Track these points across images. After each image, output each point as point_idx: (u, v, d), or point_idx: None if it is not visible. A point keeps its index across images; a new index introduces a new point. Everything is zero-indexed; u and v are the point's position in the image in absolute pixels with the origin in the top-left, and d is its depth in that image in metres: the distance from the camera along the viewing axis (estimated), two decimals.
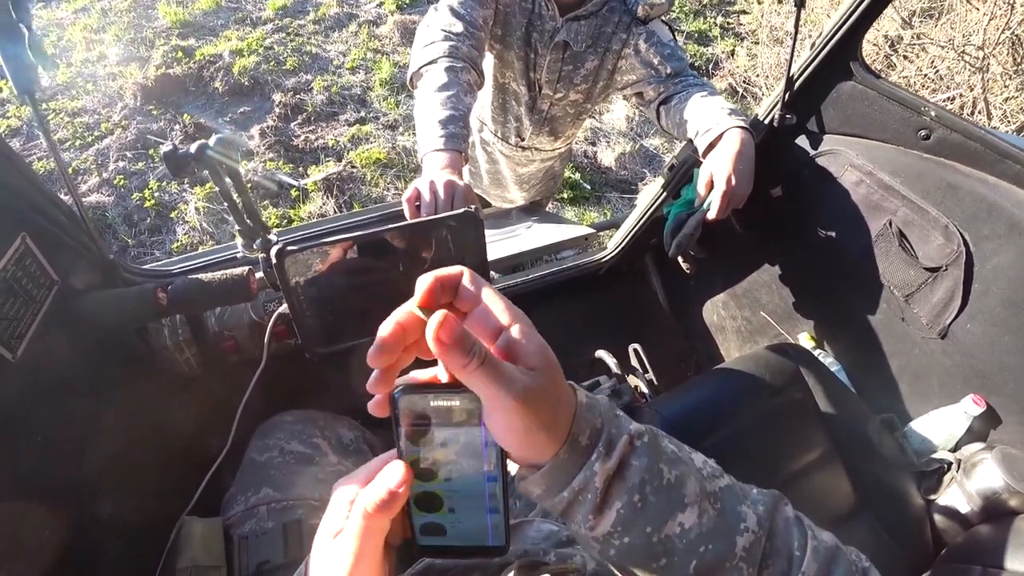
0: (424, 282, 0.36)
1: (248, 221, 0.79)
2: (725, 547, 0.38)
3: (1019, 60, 3.10)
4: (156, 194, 2.66)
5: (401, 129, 3.15)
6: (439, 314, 0.33)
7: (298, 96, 3.18)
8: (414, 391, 0.36)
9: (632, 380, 1.46)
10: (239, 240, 0.84)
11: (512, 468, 0.40)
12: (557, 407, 0.36)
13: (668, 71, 1.28)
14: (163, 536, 0.82)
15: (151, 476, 0.97)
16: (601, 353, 1.51)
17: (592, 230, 1.72)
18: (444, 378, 0.37)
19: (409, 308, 0.35)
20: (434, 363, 0.37)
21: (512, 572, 0.47)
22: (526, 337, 0.36)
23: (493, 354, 0.34)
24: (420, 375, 0.38)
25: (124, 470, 0.92)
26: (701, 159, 1.18)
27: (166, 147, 0.69)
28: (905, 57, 3.46)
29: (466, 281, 0.37)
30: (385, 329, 0.35)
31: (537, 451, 0.37)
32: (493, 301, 0.37)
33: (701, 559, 0.38)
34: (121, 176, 2.71)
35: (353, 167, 2.89)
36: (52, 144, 0.80)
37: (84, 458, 0.85)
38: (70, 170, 2.70)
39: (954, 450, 1.13)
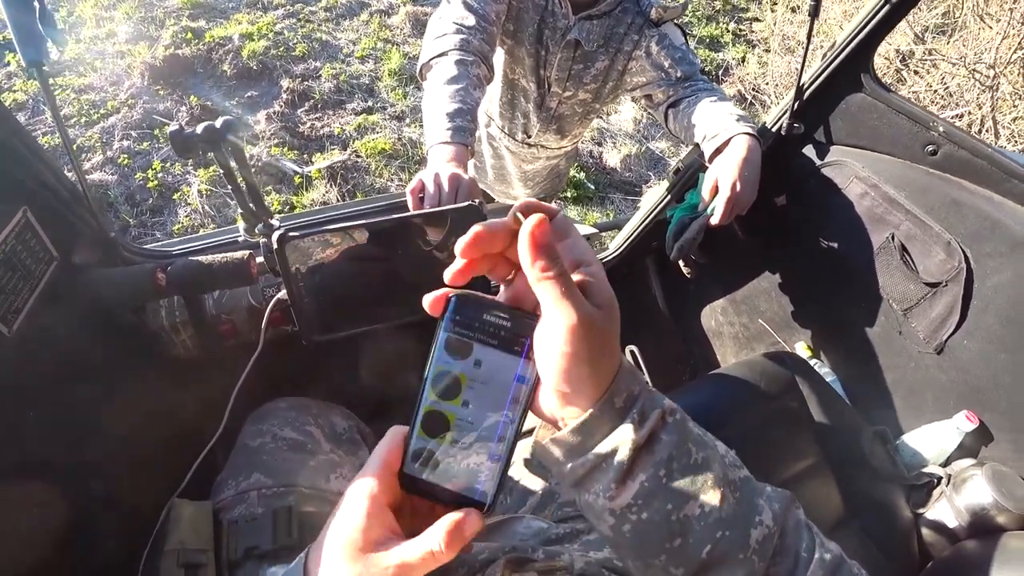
0: (525, 200, 0.38)
1: (251, 205, 0.79)
2: (740, 537, 0.38)
3: None
4: (159, 175, 2.66)
5: (408, 120, 3.15)
6: (538, 215, 0.35)
7: (306, 83, 3.17)
8: (472, 299, 0.37)
9: None
10: (241, 224, 0.83)
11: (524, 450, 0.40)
12: (606, 352, 0.36)
13: (678, 75, 1.28)
14: (153, 518, 0.81)
15: (143, 457, 0.96)
16: None
17: (595, 230, 1.72)
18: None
19: (503, 220, 0.37)
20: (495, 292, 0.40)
21: (499, 568, 0.47)
22: (600, 279, 0.37)
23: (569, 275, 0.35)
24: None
25: (117, 450, 0.92)
26: (707, 164, 1.18)
27: (173, 127, 0.69)
28: (916, 72, 3.45)
29: (560, 216, 0.39)
30: (479, 226, 0.37)
31: (575, 386, 0.36)
32: (579, 239, 0.39)
33: (716, 545, 0.37)
34: (125, 155, 2.70)
35: (358, 156, 2.88)
36: (58, 118, 0.79)
37: (76, 436, 0.85)
38: (74, 147, 2.69)
39: (945, 465, 1.14)
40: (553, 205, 0.39)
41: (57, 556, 0.74)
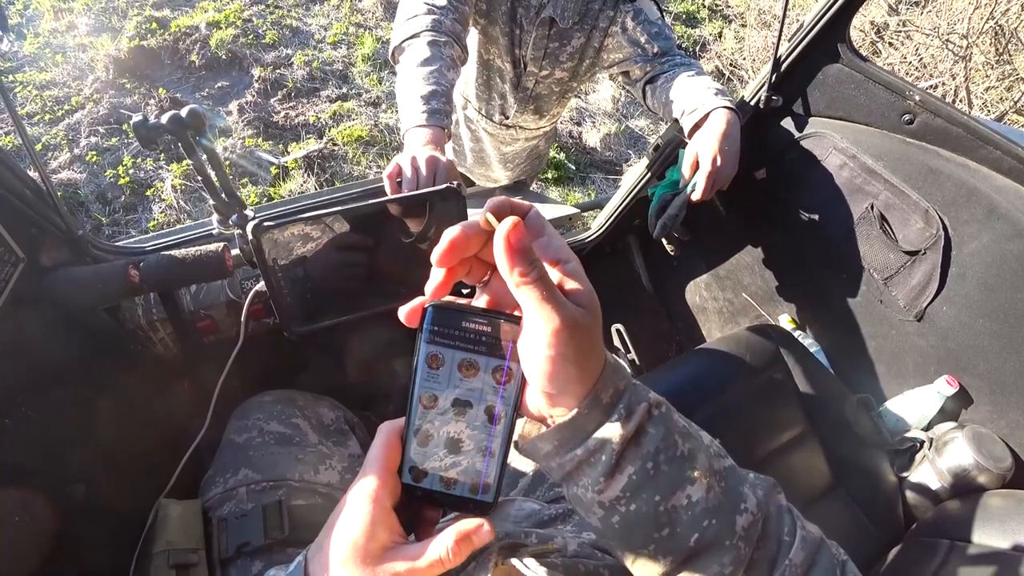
0: (496, 200, 0.37)
1: (223, 196, 0.77)
2: (726, 524, 0.39)
3: (1001, 51, 3.13)
4: (131, 171, 2.59)
5: (384, 106, 3.09)
6: (511, 219, 0.34)
7: (278, 71, 3.10)
8: (449, 307, 0.36)
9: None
10: (215, 216, 0.81)
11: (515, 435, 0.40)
12: (590, 351, 0.36)
13: (655, 50, 1.26)
14: (141, 520, 0.80)
15: (127, 459, 0.95)
16: None
17: (576, 210, 1.71)
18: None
19: (475, 220, 0.36)
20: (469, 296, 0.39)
21: (493, 555, 0.47)
22: (579, 277, 0.36)
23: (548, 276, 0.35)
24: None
25: (98, 453, 0.90)
26: (687, 140, 1.17)
27: (136, 117, 0.66)
28: (890, 44, 3.47)
29: (534, 212, 0.38)
30: (453, 231, 0.36)
31: (562, 387, 0.36)
32: (555, 236, 0.38)
33: (703, 533, 0.38)
34: (93, 152, 2.62)
35: (335, 145, 2.83)
36: (11, 108, 0.76)
37: (56, 441, 0.83)
38: (39, 146, 2.60)
39: (927, 429, 1.16)
40: (524, 201, 0.39)
41: (43, 565, 0.72)
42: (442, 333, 0.36)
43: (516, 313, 0.37)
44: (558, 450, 0.38)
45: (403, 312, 0.37)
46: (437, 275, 0.36)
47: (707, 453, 0.40)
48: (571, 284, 0.36)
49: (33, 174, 0.85)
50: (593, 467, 0.37)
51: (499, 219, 0.35)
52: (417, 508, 0.39)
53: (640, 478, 0.37)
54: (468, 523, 0.36)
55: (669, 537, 0.38)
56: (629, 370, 0.41)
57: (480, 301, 0.40)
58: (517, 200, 0.38)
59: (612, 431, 0.36)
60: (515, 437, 0.39)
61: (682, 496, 0.38)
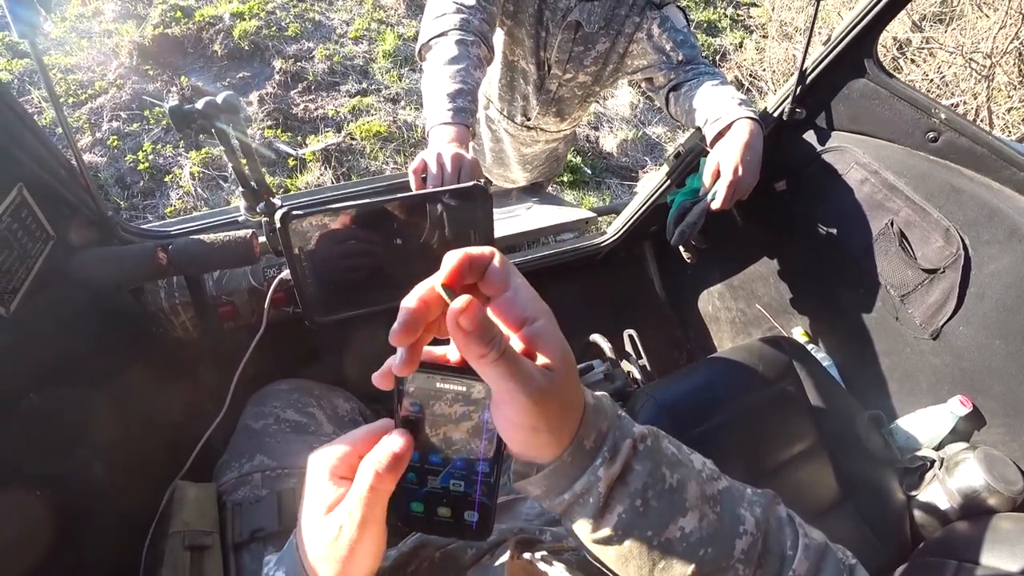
0: (452, 259, 0.34)
1: (252, 184, 0.78)
2: (724, 549, 0.38)
3: None
4: (150, 157, 2.61)
5: (403, 103, 3.11)
6: (462, 299, 0.32)
7: (299, 64, 3.12)
8: (422, 369, 0.36)
9: (625, 365, 1.46)
10: (241, 203, 0.82)
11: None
12: (566, 409, 0.36)
13: (680, 58, 1.27)
14: (155, 501, 0.81)
15: (144, 441, 0.96)
16: (596, 337, 1.51)
17: (592, 214, 1.72)
18: (454, 358, 0.37)
19: (431, 284, 0.34)
20: (447, 341, 0.37)
21: (508, 548, 0.47)
22: (548, 334, 0.35)
23: (512, 346, 0.34)
24: (433, 351, 0.38)
25: (116, 434, 0.91)
26: (708, 148, 1.18)
27: (172, 101, 0.68)
28: (912, 61, 3.45)
29: (496, 263, 0.35)
30: (408, 304, 0.34)
31: (540, 451, 0.36)
32: (520, 290, 0.35)
33: (700, 562, 0.38)
34: (115, 136, 2.65)
35: (353, 139, 2.85)
36: (52, 91, 0.77)
37: (76, 419, 0.84)
38: (60, 129, 2.63)
39: (938, 448, 1.16)
40: (486, 249, 0.35)
41: (60, 542, 0.74)
42: (417, 395, 0.36)
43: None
44: (546, 494, 0.38)
45: (377, 378, 0.36)
46: (401, 356, 0.34)
47: (698, 480, 0.40)
48: (539, 343, 0.35)
49: (67, 154, 0.87)
50: (583, 507, 0.37)
51: (454, 285, 0.34)
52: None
53: (630, 516, 0.37)
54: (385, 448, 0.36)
55: (666, 569, 0.38)
56: (612, 401, 0.40)
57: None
58: (474, 250, 0.35)
59: (598, 474, 0.36)
60: (504, 476, 0.40)
61: (675, 528, 0.38)
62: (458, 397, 0.36)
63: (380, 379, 0.36)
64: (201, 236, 0.84)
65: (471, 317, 0.32)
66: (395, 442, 0.36)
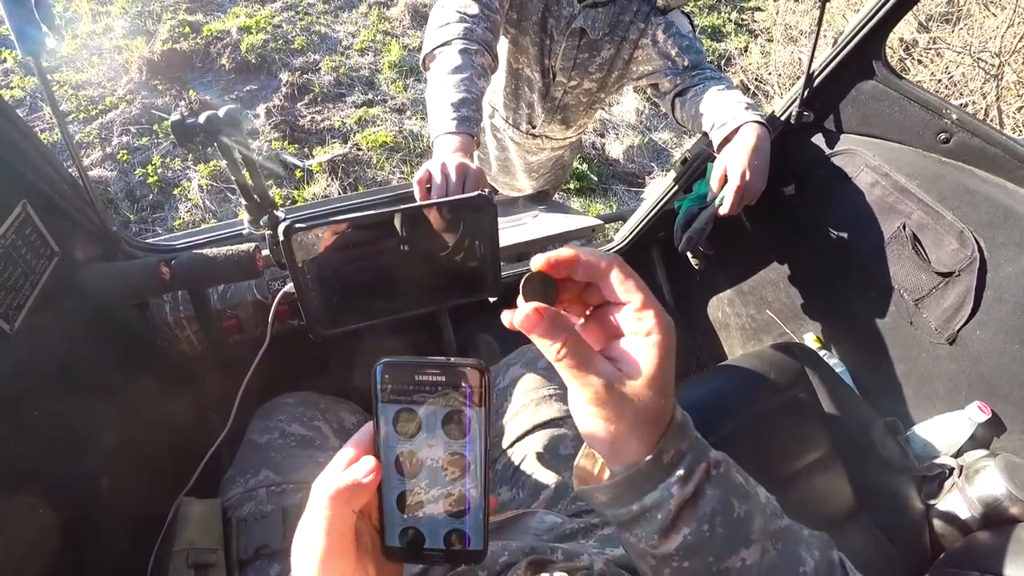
0: (560, 254, 0.36)
1: (255, 197, 0.78)
2: None
3: None
4: (159, 170, 2.64)
5: (409, 113, 3.12)
6: (528, 307, 0.35)
7: (305, 76, 3.15)
8: (398, 364, 0.35)
9: None
10: (245, 217, 0.82)
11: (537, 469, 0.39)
12: (645, 421, 0.35)
13: (685, 63, 1.26)
14: (160, 517, 0.80)
15: (149, 455, 0.95)
16: None
17: (599, 221, 1.70)
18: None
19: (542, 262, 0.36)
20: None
21: (521, 570, 0.46)
22: (644, 349, 0.35)
23: (583, 349, 0.35)
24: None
25: (121, 449, 0.90)
26: (715, 153, 1.16)
27: (174, 116, 0.67)
28: (919, 61, 3.42)
29: (613, 278, 0.36)
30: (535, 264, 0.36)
31: (614, 455, 0.36)
32: (637, 303, 0.36)
33: None
34: (124, 151, 2.68)
35: (359, 150, 2.86)
36: (55, 107, 0.78)
37: (81, 435, 0.84)
38: (73, 143, 2.67)
39: (957, 456, 1.13)
40: (603, 260, 0.36)
41: (64, 559, 0.73)
42: (396, 391, 0.35)
43: (470, 359, 0.36)
44: (613, 502, 0.37)
45: (517, 318, 0.36)
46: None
47: (763, 514, 0.39)
48: (629, 359, 0.35)
49: (71, 170, 0.87)
50: (648, 522, 0.36)
51: (556, 276, 0.36)
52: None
53: (695, 539, 0.36)
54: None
55: None
56: (692, 425, 0.40)
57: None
58: (590, 258, 0.36)
59: (671, 491, 0.36)
60: (542, 435, 0.39)
61: (736, 559, 0.37)
62: (437, 387, 0.35)
63: (522, 320, 0.36)
64: (204, 250, 0.84)
65: (533, 321, 0.35)
66: (359, 468, 0.35)
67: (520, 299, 0.36)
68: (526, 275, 0.36)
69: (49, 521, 0.72)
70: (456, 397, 0.35)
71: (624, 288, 0.36)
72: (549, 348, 0.34)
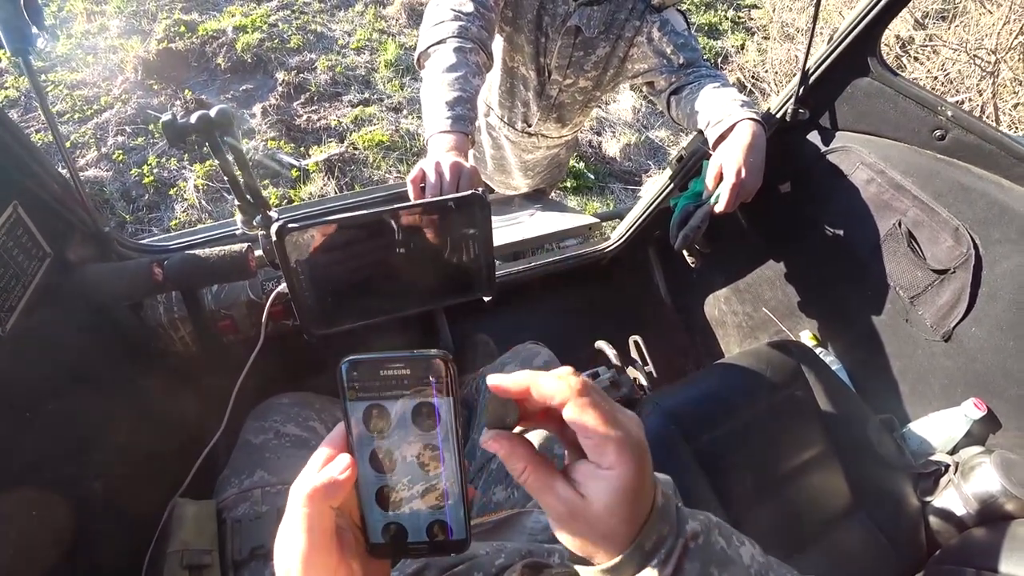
0: (512, 382, 0.36)
1: (248, 197, 0.77)
2: None
3: None
4: (155, 170, 2.63)
5: (405, 112, 3.12)
6: (491, 434, 0.36)
7: (302, 75, 3.14)
8: (363, 361, 0.35)
9: (631, 372, 1.45)
10: (238, 217, 0.82)
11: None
12: (617, 528, 0.36)
13: (681, 61, 1.25)
14: (155, 518, 0.80)
15: (143, 457, 0.95)
16: (601, 344, 1.50)
17: (595, 220, 1.70)
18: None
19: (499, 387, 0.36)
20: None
21: (516, 574, 0.46)
22: (598, 476, 0.35)
23: (541, 474, 0.36)
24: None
25: (116, 450, 0.90)
26: (711, 151, 1.16)
27: (166, 116, 0.67)
28: (915, 59, 3.42)
29: (569, 410, 0.35)
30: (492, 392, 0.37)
31: (591, 556, 0.37)
32: (591, 435, 0.35)
33: None
34: (120, 151, 2.67)
35: (355, 149, 2.85)
36: (43, 104, 0.77)
37: (75, 437, 0.84)
38: (67, 144, 2.66)
39: (952, 453, 1.13)
40: (557, 390, 0.35)
41: (58, 562, 0.73)
42: (363, 387, 0.35)
43: (433, 351, 0.35)
44: None
45: (482, 442, 0.37)
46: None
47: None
48: (585, 484, 0.35)
49: (63, 171, 0.86)
50: None
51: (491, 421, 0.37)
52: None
53: None
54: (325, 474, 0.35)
55: None
56: (675, 500, 0.40)
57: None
58: (546, 389, 0.36)
59: (649, 575, 0.36)
60: (537, 434, 0.39)
61: None
62: (403, 380, 0.35)
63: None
64: (197, 251, 0.84)
65: (495, 449, 0.36)
66: (335, 466, 0.35)
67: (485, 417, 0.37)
68: (488, 398, 0.37)
69: (42, 523, 0.72)
70: (423, 389, 0.35)
71: (581, 424, 0.35)
72: (512, 470, 0.36)
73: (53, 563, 0.71)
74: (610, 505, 0.34)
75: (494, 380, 0.36)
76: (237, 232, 0.84)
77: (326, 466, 0.35)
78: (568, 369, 0.37)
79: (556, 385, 0.35)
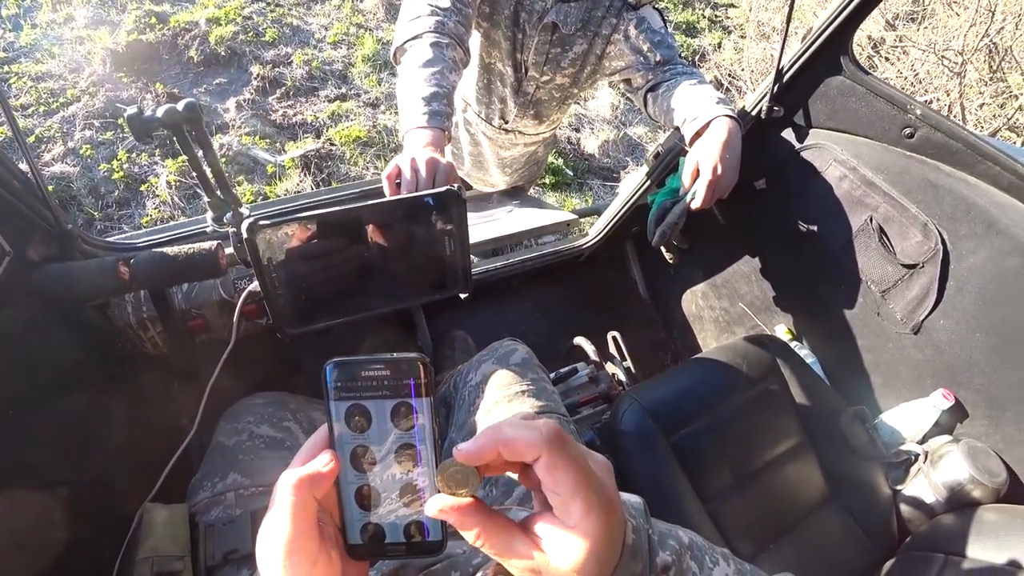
0: (481, 450, 0.34)
1: (218, 193, 0.75)
2: None
3: (995, 68, 3.16)
4: (125, 166, 2.56)
5: (383, 107, 3.08)
6: (447, 502, 0.34)
7: (277, 69, 3.08)
8: (345, 363, 0.36)
9: (610, 367, 1.45)
10: (209, 214, 0.80)
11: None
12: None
13: (657, 58, 1.26)
14: (127, 525, 0.78)
15: (113, 461, 0.92)
16: (580, 340, 1.50)
17: (574, 216, 1.71)
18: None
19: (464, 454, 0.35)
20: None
21: (489, 571, 0.45)
22: (562, 536, 0.34)
23: (497, 537, 0.35)
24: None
25: (84, 454, 0.88)
26: (687, 148, 1.17)
27: (131, 110, 0.65)
28: (886, 59, 3.50)
29: (538, 467, 0.34)
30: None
31: None
32: (560, 497, 0.34)
33: None
34: (88, 145, 2.59)
35: (332, 144, 2.81)
36: (2, 98, 0.74)
37: (39, 441, 0.81)
38: (32, 138, 2.57)
39: (922, 442, 1.16)
40: (491, 441, 0.35)
41: (27, 568, 0.70)
42: (345, 388, 0.36)
43: (411, 353, 0.36)
44: None
45: (428, 510, 0.36)
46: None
47: None
48: (549, 544, 0.34)
49: (23, 166, 0.83)
50: None
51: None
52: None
53: None
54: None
55: None
56: (646, 530, 0.40)
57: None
58: (518, 447, 0.34)
59: None
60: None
61: None
62: (384, 380, 0.36)
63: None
64: (165, 249, 0.81)
65: (449, 519, 0.35)
66: (319, 460, 0.36)
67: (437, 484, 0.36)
68: (442, 463, 0.35)
69: (4, 532, 0.70)
70: (401, 390, 0.36)
71: (552, 480, 0.34)
72: (465, 536, 0.35)
73: (23, 569, 0.69)
74: (575, 563, 0.34)
75: (462, 449, 0.34)
76: (208, 229, 0.82)
77: (310, 462, 0.36)
78: (539, 422, 0.35)
79: (527, 441, 0.34)
